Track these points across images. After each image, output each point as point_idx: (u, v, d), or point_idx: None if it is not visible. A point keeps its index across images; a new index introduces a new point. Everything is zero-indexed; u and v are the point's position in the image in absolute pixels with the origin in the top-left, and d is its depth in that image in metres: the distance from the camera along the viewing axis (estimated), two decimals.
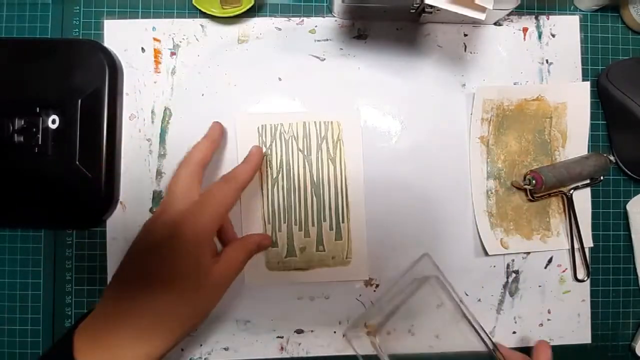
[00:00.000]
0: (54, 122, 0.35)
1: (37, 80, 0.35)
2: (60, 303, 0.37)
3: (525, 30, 0.40)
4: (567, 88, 0.39)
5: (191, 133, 0.37)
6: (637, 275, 0.39)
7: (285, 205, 0.37)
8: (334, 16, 0.39)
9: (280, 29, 0.38)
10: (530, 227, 0.39)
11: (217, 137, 0.35)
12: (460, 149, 0.39)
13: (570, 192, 0.38)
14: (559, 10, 0.40)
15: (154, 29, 0.38)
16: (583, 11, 0.40)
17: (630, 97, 0.37)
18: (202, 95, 0.38)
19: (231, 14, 0.37)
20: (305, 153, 0.37)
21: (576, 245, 0.39)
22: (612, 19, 0.40)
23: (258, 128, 0.37)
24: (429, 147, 0.38)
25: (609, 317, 0.39)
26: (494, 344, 0.31)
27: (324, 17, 0.39)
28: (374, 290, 0.38)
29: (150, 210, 0.37)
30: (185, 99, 0.37)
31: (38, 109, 0.34)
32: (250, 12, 0.37)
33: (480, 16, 0.30)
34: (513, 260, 0.39)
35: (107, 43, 0.37)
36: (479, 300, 0.38)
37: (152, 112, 0.37)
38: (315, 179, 0.37)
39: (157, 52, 0.38)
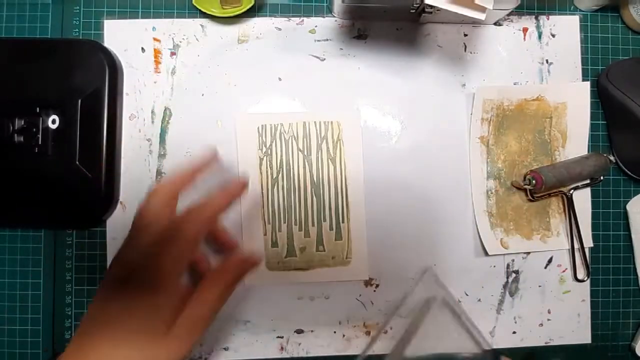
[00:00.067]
0: (54, 122, 0.35)
1: (37, 80, 0.35)
2: (60, 303, 0.37)
3: (525, 30, 0.40)
4: (567, 88, 0.39)
5: (191, 133, 0.37)
6: (637, 275, 0.39)
7: (285, 205, 0.37)
8: (334, 16, 0.39)
9: (280, 29, 0.38)
10: (530, 227, 0.39)
11: (201, 167, 0.33)
12: (460, 149, 0.39)
13: (570, 192, 0.38)
14: (559, 10, 0.40)
15: (154, 29, 0.38)
16: (583, 11, 0.40)
17: (630, 97, 0.37)
18: (202, 95, 0.38)
19: (231, 14, 0.37)
20: (305, 153, 0.37)
21: (576, 245, 0.39)
22: (612, 19, 0.40)
23: (258, 128, 0.37)
24: (429, 147, 0.38)
25: (609, 317, 0.39)
26: None
27: (324, 17, 0.39)
28: (374, 290, 0.38)
29: None
30: (185, 99, 0.37)
31: (38, 109, 0.34)
32: (250, 12, 0.37)
33: (480, 16, 0.30)
34: (513, 260, 0.39)
35: (107, 43, 0.37)
36: (479, 300, 0.38)
37: (152, 112, 0.37)
38: (315, 179, 0.37)
39: (157, 52, 0.38)
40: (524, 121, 0.39)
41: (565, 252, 0.39)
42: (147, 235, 0.28)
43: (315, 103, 0.38)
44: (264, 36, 0.38)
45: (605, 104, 0.40)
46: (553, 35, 0.40)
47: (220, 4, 0.36)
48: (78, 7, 0.38)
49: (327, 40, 0.38)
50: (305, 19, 0.38)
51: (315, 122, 0.38)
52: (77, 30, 0.37)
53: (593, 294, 0.39)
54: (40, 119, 0.34)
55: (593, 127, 0.39)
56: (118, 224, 0.37)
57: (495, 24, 0.40)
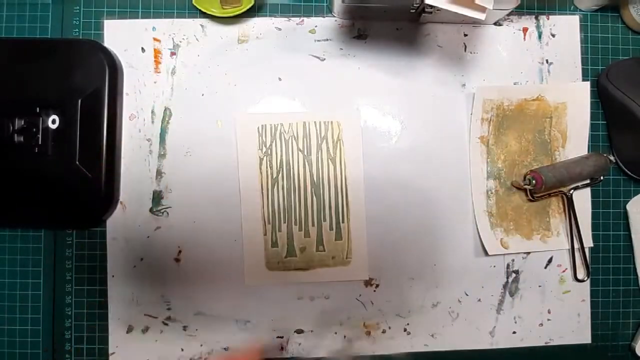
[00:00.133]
0: (54, 122, 0.35)
1: (37, 80, 0.35)
2: (60, 303, 0.37)
3: (525, 30, 0.40)
4: (567, 88, 0.39)
5: (191, 133, 0.37)
6: (637, 275, 0.39)
7: (285, 205, 0.37)
8: (334, 16, 0.39)
9: (280, 29, 0.38)
10: (530, 227, 0.39)
11: None
12: (460, 149, 0.39)
13: (570, 192, 0.38)
14: (559, 10, 0.40)
15: (154, 29, 0.38)
16: (583, 11, 0.40)
17: (630, 97, 0.37)
18: (202, 95, 0.38)
19: (231, 14, 0.37)
20: (305, 153, 0.37)
21: (576, 245, 0.39)
22: (612, 19, 0.40)
23: (258, 128, 0.37)
24: (429, 147, 0.38)
25: (609, 317, 0.39)
26: None
27: (324, 17, 0.39)
28: (374, 290, 0.38)
29: (150, 210, 0.37)
30: (185, 99, 0.37)
31: (38, 109, 0.34)
32: (250, 12, 0.37)
33: (480, 16, 0.30)
34: (513, 260, 0.39)
35: (107, 43, 0.37)
36: (479, 300, 0.38)
37: (152, 112, 0.37)
38: (315, 179, 0.37)
39: (157, 52, 0.38)
40: (524, 121, 0.39)
41: (565, 252, 0.39)
42: None
43: (315, 103, 0.38)
44: (264, 36, 0.38)
45: (605, 104, 0.40)
46: (553, 35, 0.40)
47: (220, 4, 0.36)
48: (78, 7, 0.38)
49: (327, 40, 0.38)
50: (305, 19, 0.38)
51: (315, 122, 0.38)
52: (77, 30, 0.37)
53: (593, 294, 0.39)
54: (40, 119, 0.34)
55: (593, 127, 0.39)
56: (118, 224, 0.37)
57: (495, 24, 0.40)
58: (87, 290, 0.37)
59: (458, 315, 0.38)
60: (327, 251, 0.37)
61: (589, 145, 0.39)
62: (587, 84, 0.39)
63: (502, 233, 0.38)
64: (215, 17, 0.37)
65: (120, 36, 0.37)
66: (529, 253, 0.39)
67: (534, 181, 0.37)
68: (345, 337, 0.38)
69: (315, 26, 0.38)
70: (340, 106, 0.38)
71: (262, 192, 0.37)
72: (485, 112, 0.39)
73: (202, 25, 0.38)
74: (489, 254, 0.38)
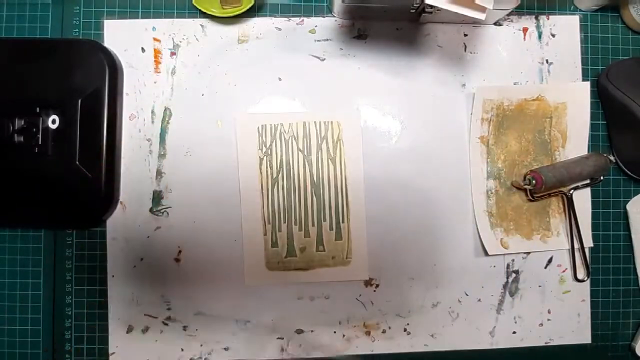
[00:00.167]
0: (54, 122, 0.35)
1: (37, 80, 0.35)
2: (60, 303, 0.37)
3: (525, 30, 0.40)
4: (567, 88, 0.39)
5: (191, 133, 0.37)
6: (637, 275, 0.39)
7: (285, 205, 0.37)
8: (334, 16, 0.39)
9: (280, 29, 0.38)
10: (530, 227, 0.39)
11: None
12: (460, 149, 0.39)
13: (570, 192, 0.38)
14: (559, 10, 0.40)
15: (154, 29, 0.38)
16: (583, 11, 0.40)
17: (630, 97, 0.37)
18: (202, 95, 0.38)
19: (231, 14, 0.37)
20: (305, 153, 0.37)
21: (576, 245, 0.39)
22: (612, 19, 0.40)
23: (258, 128, 0.37)
24: (429, 147, 0.38)
25: (609, 317, 0.39)
26: None
27: (324, 17, 0.39)
28: (374, 290, 0.38)
29: (150, 210, 0.37)
30: (185, 99, 0.37)
31: (38, 109, 0.34)
32: (250, 12, 0.37)
33: (480, 16, 0.30)
34: (513, 260, 0.39)
35: (107, 43, 0.37)
36: (479, 300, 0.38)
37: (152, 112, 0.37)
38: (315, 179, 0.37)
39: (157, 52, 0.38)
40: (524, 121, 0.39)
41: (565, 252, 0.39)
42: None
43: (315, 103, 0.38)
44: (264, 36, 0.38)
45: (605, 104, 0.40)
46: (553, 35, 0.40)
47: (220, 4, 0.36)
48: (78, 7, 0.38)
49: (327, 40, 0.38)
50: (305, 19, 0.38)
51: (315, 122, 0.38)
52: (77, 30, 0.37)
53: (593, 294, 0.39)
54: (40, 119, 0.34)
55: (593, 127, 0.39)
56: (118, 224, 0.37)
57: (495, 24, 0.40)
58: (87, 290, 0.37)
59: (458, 315, 0.38)
60: (327, 251, 0.37)
61: (589, 145, 0.39)
62: (587, 84, 0.39)
63: (502, 233, 0.38)
64: (215, 17, 0.37)
65: (120, 36, 0.37)
66: (529, 253, 0.39)
67: (534, 181, 0.37)
68: (345, 337, 0.38)
69: (315, 26, 0.38)
70: (340, 106, 0.38)
71: (262, 192, 0.37)
72: (485, 112, 0.39)
73: (202, 25, 0.38)
74: (489, 254, 0.38)
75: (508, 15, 0.39)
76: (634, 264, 0.39)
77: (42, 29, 0.37)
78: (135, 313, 0.37)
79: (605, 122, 0.40)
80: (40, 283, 0.37)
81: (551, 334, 0.39)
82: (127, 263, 0.37)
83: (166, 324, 0.37)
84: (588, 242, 0.39)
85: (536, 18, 0.40)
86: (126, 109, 0.37)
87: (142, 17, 0.38)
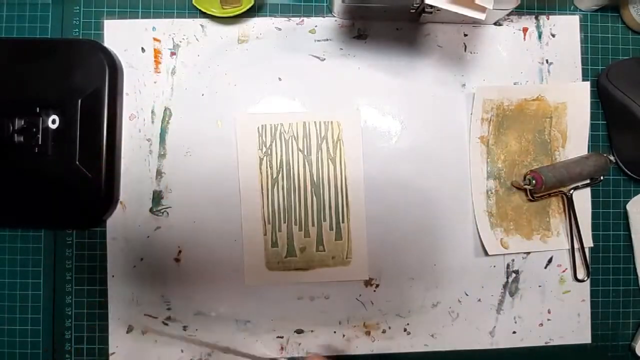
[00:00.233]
0: (54, 122, 0.35)
1: (37, 80, 0.35)
2: (60, 303, 0.37)
3: (525, 30, 0.40)
4: (567, 88, 0.39)
5: (191, 133, 0.37)
6: (637, 275, 0.39)
7: (285, 205, 0.37)
8: (334, 16, 0.39)
9: (280, 29, 0.38)
10: (530, 227, 0.39)
11: None
12: (460, 149, 0.39)
13: (570, 192, 0.38)
14: (559, 10, 0.40)
15: (154, 29, 0.38)
16: (583, 11, 0.40)
17: (630, 97, 0.37)
18: (202, 95, 0.38)
19: (231, 14, 0.37)
20: (305, 153, 0.37)
21: (576, 245, 0.39)
22: (612, 19, 0.40)
23: (258, 128, 0.37)
24: (429, 147, 0.38)
25: (609, 317, 0.39)
26: None
27: (324, 17, 0.39)
28: (374, 290, 0.38)
29: (150, 210, 0.37)
30: (185, 99, 0.37)
31: (38, 109, 0.34)
32: (250, 12, 0.37)
33: (480, 16, 0.30)
34: (513, 260, 0.39)
35: (107, 43, 0.37)
36: (479, 300, 0.38)
37: (152, 112, 0.37)
38: (315, 179, 0.37)
39: (157, 52, 0.38)
40: (524, 121, 0.39)
41: (565, 252, 0.39)
42: None
43: (315, 103, 0.38)
44: (264, 36, 0.38)
45: (605, 104, 0.40)
46: (553, 35, 0.40)
47: (220, 4, 0.36)
48: (78, 7, 0.38)
49: (327, 40, 0.38)
50: (305, 19, 0.38)
51: (315, 122, 0.38)
52: (77, 30, 0.37)
53: (593, 294, 0.39)
54: (40, 119, 0.34)
55: (593, 127, 0.39)
56: (118, 224, 0.37)
57: (495, 24, 0.40)
58: (87, 290, 0.37)
59: (458, 315, 0.38)
60: (327, 251, 0.37)
61: (589, 145, 0.39)
62: (587, 84, 0.39)
63: (502, 233, 0.38)
64: (215, 17, 0.37)
65: (120, 36, 0.37)
66: (529, 253, 0.39)
67: (534, 181, 0.37)
68: (345, 337, 0.38)
69: (315, 26, 0.38)
70: (340, 106, 0.38)
71: (262, 192, 0.37)
72: (485, 112, 0.39)
73: (202, 25, 0.38)
74: (489, 254, 0.38)
75: (508, 15, 0.39)
76: (634, 264, 0.39)
77: (42, 29, 0.37)
78: (135, 313, 0.37)
79: (605, 122, 0.40)
80: (40, 283, 0.37)
81: (551, 334, 0.39)
82: (127, 263, 0.37)
83: (166, 324, 0.37)
84: (588, 242, 0.39)
85: (536, 18, 0.40)
86: (126, 109, 0.37)
87: (142, 17, 0.38)
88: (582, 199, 0.39)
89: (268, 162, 0.37)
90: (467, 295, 0.38)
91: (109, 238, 0.37)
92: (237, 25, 0.38)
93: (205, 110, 0.37)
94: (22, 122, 0.34)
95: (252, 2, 0.36)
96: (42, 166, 0.35)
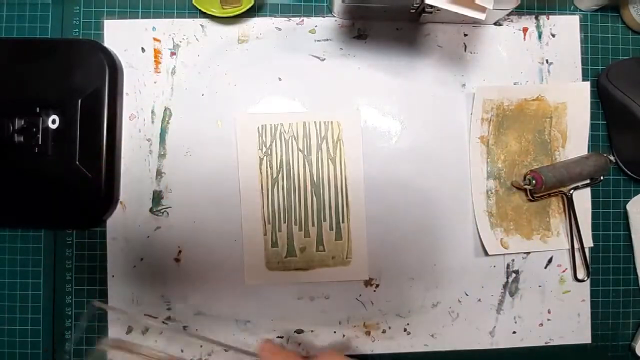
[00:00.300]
0: (54, 122, 0.35)
1: (37, 80, 0.35)
2: (60, 303, 0.37)
3: (525, 30, 0.40)
4: (567, 88, 0.39)
5: (191, 133, 0.37)
6: (637, 275, 0.39)
7: (285, 205, 0.37)
8: (334, 16, 0.39)
9: (280, 29, 0.38)
10: (530, 227, 0.39)
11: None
12: (460, 149, 0.39)
13: (570, 192, 0.38)
14: (559, 10, 0.40)
15: (154, 29, 0.38)
16: (583, 11, 0.40)
17: (630, 97, 0.37)
18: (202, 95, 0.38)
19: (231, 14, 0.37)
20: (305, 153, 0.37)
21: (576, 245, 0.39)
22: (612, 19, 0.40)
23: (258, 128, 0.37)
24: (429, 147, 0.38)
25: (609, 317, 0.39)
26: None
27: (324, 17, 0.39)
28: (374, 290, 0.38)
29: (150, 210, 0.37)
30: (185, 99, 0.37)
31: (38, 109, 0.34)
32: (250, 12, 0.37)
33: (480, 16, 0.30)
34: (513, 260, 0.39)
35: (107, 43, 0.37)
36: (479, 300, 0.38)
37: (152, 112, 0.37)
38: (315, 179, 0.37)
39: (157, 52, 0.38)
40: (524, 121, 0.39)
41: (565, 252, 0.39)
42: None
43: (315, 103, 0.38)
44: (264, 36, 0.38)
45: (605, 104, 0.40)
46: (553, 35, 0.40)
47: (220, 4, 0.36)
48: (78, 7, 0.38)
49: (327, 40, 0.38)
50: (305, 19, 0.38)
51: (315, 122, 0.38)
52: (77, 30, 0.37)
53: (593, 294, 0.39)
54: (40, 119, 0.34)
55: (593, 127, 0.39)
56: (118, 224, 0.37)
57: (495, 24, 0.40)
58: (87, 290, 0.37)
59: (458, 315, 0.38)
60: (327, 251, 0.37)
61: (589, 145, 0.39)
62: (587, 84, 0.39)
63: (502, 233, 0.38)
64: (215, 17, 0.37)
65: (120, 36, 0.37)
66: (529, 253, 0.39)
67: (534, 181, 0.37)
68: (345, 337, 0.38)
69: (315, 26, 0.38)
70: (340, 106, 0.38)
71: (262, 192, 0.37)
72: (485, 112, 0.39)
73: (202, 25, 0.38)
74: (489, 254, 0.38)
75: (508, 15, 0.39)
76: (634, 264, 0.39)
77: (42, 29, 0.37)
78: (135, 313, 0.37)
79: (605, 122, 0.40)
80: (40, 283, 0.37)
81: (551, 334, 0.39)
82: (127, 263, 0.37)
83: (166, 324, 0.37)
84: (588, 242, 0.39)
85: (536, 18, 0.40)
86: (126, 109, 0.37)
87: (142, 17, 0.38)
88: (582, 199, 0.39)
89: (268, 162, 0.37)
90: (467, 295, 0.38)
91: (109, 238, 0.37)
92: (237, 25, 0.38)
93: (205, 110, 0.37)
94: (22, 122, 0.34)
95: (252, 2, 0.36)
96: (42, 166, 0.35)
